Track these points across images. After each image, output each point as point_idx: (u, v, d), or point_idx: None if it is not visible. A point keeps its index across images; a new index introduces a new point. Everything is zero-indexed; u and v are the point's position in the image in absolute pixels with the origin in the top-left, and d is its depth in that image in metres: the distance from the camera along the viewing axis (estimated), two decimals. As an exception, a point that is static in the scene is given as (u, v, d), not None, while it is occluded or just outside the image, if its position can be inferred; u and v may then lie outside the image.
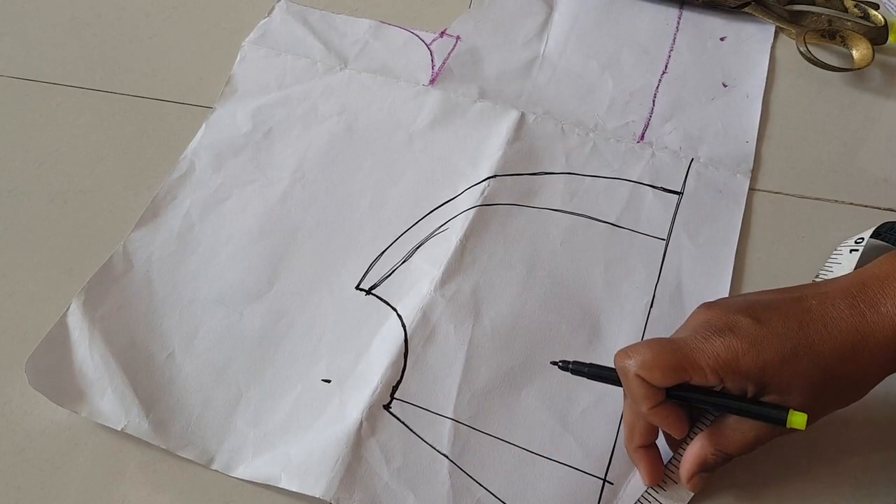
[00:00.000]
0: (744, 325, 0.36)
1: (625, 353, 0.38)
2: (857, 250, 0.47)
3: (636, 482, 0.41)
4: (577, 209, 0.51)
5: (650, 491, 0.40)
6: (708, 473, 0.39)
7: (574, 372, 0.41)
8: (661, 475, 0.40)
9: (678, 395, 0.37)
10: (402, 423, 0.43)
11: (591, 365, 0.40)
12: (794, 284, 0.45)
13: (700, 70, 0.59)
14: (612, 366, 0.39)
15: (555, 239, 0.50)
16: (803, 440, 0.42)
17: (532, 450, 0.42)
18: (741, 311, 0.37)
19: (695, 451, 0.39)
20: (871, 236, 0.47)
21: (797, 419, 0.35)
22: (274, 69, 0.59)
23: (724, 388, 0.37)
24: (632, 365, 0.37)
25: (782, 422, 0.36)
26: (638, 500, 0.40)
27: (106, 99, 0.58)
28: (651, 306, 0.47)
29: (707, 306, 0.39)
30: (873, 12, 0.59)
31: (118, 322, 0.47)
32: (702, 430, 0.39)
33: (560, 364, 0.41)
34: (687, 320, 0.39)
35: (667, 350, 0.37)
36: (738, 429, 0.38)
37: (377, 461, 0.42)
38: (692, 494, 0.40)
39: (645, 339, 0.46)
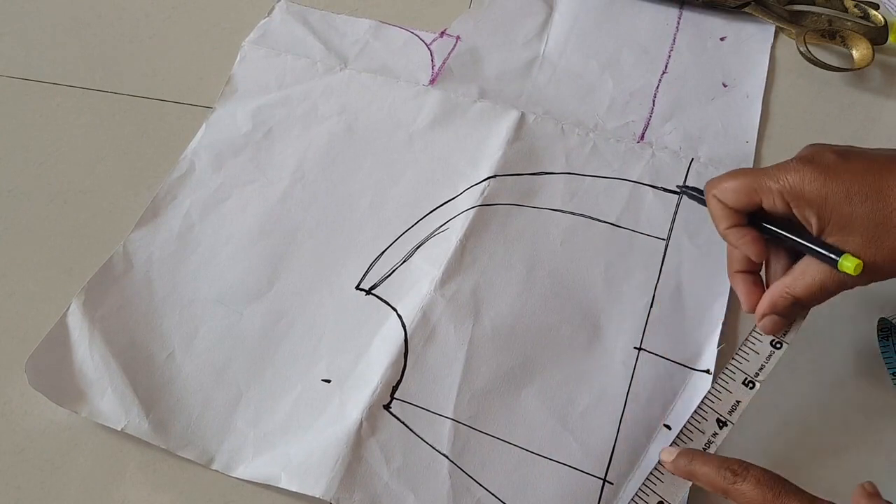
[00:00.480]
0: (826, 158, 0.37)
1: (712, 180, 0.41)
2: None
3: (636, 482, 0.41)
4: (577, 209, 0.51)
5: (647, 482, 0.40)
6: (781, 317, 0.40)
7: (688, 196, 0.48)
8: (755, 303, 0.41)
9: (758, 224, 0.40)
10: (402, 423, 0.43)
11: (696, 189, 0.46)
12: None
13: (700, 70, 0.59)
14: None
15: (555, 239, 0.50)
16: (803, 440, 0.42)
17: (532, 450, 0.42)
18: (836, 149, 0.38)
19: (768, 293, 0.40)
20: None
21: (849, 263, 0.35)
22: (274, 69, 0.59)
23: (794, 218, 0.38)
24: (712, 187, 0.40)
25: (834, 262, 0.36)
26: (636, 492, 0.40)
27: (106, 99, 0.58)
28: (651, 306, 0.47)
29: (812, 145, 0.40)
30: (873, 12, 0.59)
31: (118, 322, 0.47)
32: None
33: (678, 188, 0.51)
34: None
35: (744, 175, 0.39)
36: (807, 271, 0.38)
37: (377, 461, 0.42)
38: (687, 487, 0.40)
39: (645, 339, 0.46)
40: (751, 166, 0.53)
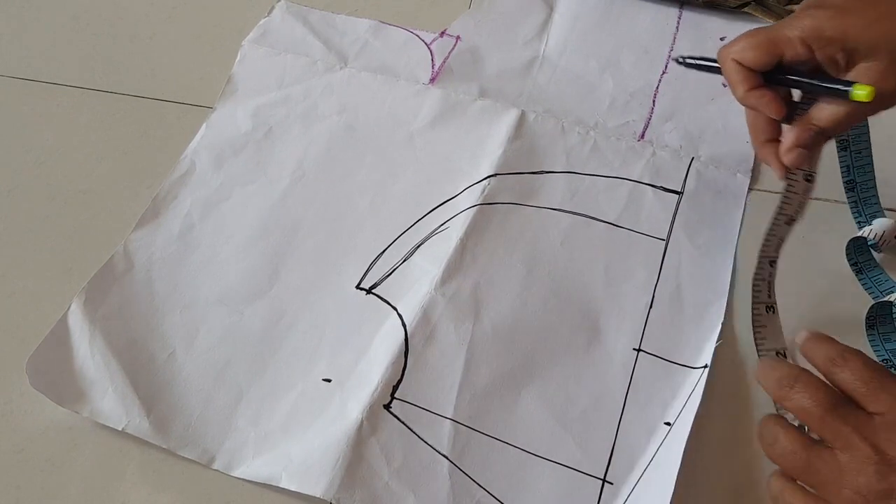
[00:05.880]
0: None
1: (726, 46, 0.41)
2: None
3: (633, 479, 0.41)
4: (578, 208, 0.51)
5: (756, 335, 0.42)
6: (805, 150, 0.41)
7: (687, 65, 0.46)
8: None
9: (773, 79, 0.41)
10: (403, 422, 0.43)
11: (701, 58, 0.45)
12: (792, 287, 0.45)
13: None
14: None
15: (555, 238, 0.50)
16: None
17: (531, 451, 0.42)
18: None
19: (792, 130, 0.41)
20: None
21: (860, 91, 0.37)
22: (274, 68, 0.59)
23: (818, 62, 0.39)
24: (729, 51, 0.41)
25: (846, 94, 0.38)
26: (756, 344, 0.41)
27: (106, 99, 0.58)
28: (650, 307, 0.47)
29: None
30: (873, 12, 0.59)
31: (119, 322, 0.47)
32: None
33: (678, 59, 0.47)
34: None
35: (761, 32, 0.40)
36: (829, 106, 0.40)
37: (377, 461, 0.42)
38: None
39: (644, 340, 0.46)
40: (751, 166, 0.53)
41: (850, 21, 0.38)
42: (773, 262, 0.43)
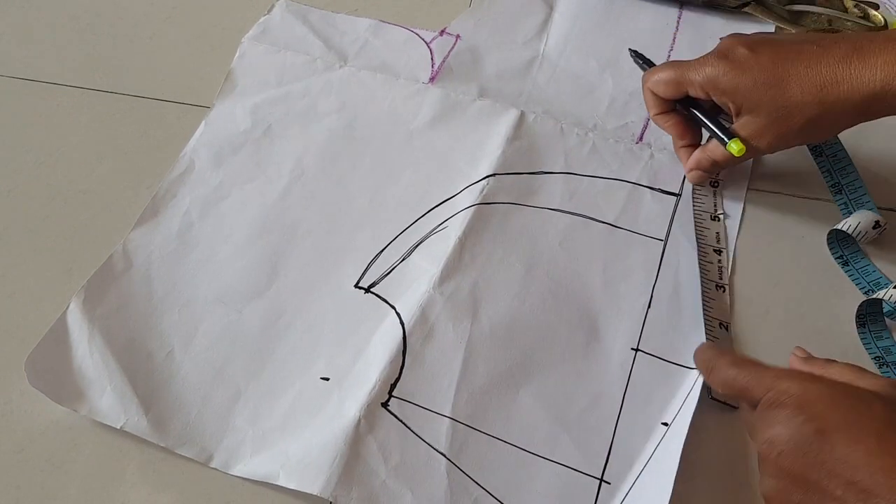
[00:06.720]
0: (738, 52, 0.44)
1: (647, 73, 0.49)
2: None
3: (630, 479, 0.41)
4: (576, 209, 0.51)
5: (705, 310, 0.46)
6: (703, 172, 0.50)
7: (634, 60, 0.54)
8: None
9: (679, 108, 0.49)
10: (401, 421, 0.43)
11: (646, 61, 0.54)
12: (791, 287, 0.46)
13: (699, 69, 0.59)
14: None
15: (553, 239, 0.50)
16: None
17: (529, 449, 0.42)
18: (747, 42, 0.44)
19: (694, 154, 0.50)
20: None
21: (734, 146, 0.45)
22: (273, 65, 0.59)
23: (716, 104, 0.46)
24: (647, 80, 0.49)
25: (724, 143, 0.46)
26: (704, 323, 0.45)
27: (106, 99, 0.58)
28: (649, 307, 0.47)
29: (729, 36, 0.46)
30: (873, 12, 0.59)
31: (118, 321, 0.47)
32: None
33: (631, 50, 0.55)
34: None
35: (672, 68, 0.47)
36: (720, 144, 0.47)
37: (375, 459, 0.42)
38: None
39: (642, 340, 0.46)
40: (750, 166, 0.53)
41: (742, 78, 0.43)
42: (718, 251, 0.49)
